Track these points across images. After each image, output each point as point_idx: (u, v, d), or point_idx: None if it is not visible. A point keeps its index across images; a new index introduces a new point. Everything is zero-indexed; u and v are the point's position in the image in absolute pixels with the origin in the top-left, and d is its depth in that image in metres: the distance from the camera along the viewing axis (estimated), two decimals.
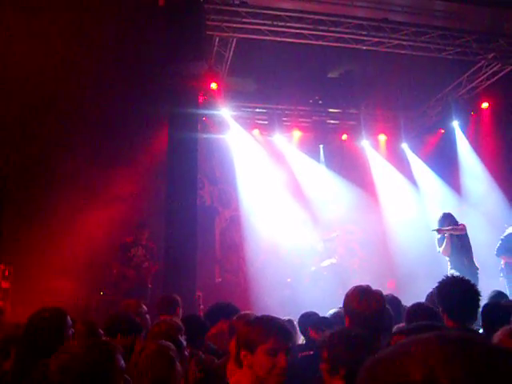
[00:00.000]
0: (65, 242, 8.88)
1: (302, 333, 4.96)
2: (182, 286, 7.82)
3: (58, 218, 9.08)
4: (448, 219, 8.10)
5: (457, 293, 3.46)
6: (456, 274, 7.07)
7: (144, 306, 4.88)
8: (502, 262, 8.31)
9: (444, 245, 7.84)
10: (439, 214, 8.27)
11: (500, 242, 8.28)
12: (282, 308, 8.13)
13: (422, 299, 4.44)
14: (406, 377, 0.75)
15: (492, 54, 9.73)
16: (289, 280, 10.79)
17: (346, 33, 8.97)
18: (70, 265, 8.88)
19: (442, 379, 0.72)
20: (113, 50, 8.75)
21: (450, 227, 7.87)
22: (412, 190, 12.76)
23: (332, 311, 5.77)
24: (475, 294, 3.50)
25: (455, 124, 11.85)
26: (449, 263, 7.76)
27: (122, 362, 2.30)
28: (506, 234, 8.30)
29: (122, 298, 7.70)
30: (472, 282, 3.61)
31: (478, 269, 7.75)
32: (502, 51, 9.66)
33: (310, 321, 4.75)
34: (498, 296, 5.29)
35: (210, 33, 8.91)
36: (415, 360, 0.76)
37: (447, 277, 3.69)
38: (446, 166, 12.22)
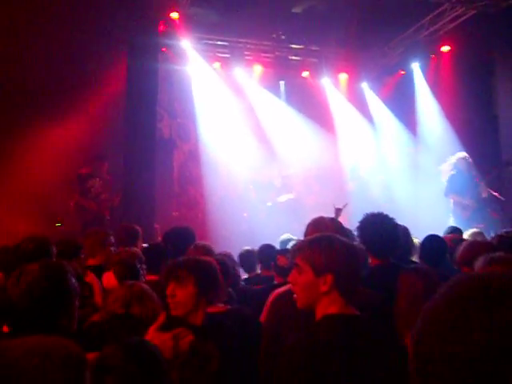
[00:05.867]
0: (17, 176, 8.69)
1: (263, 263, 5.15)
2: (141, 218, 7.86)
3: (16, 148, 8.84)
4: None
5: (376, 229, 3.48)
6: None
7: (112, 238, 4.87)
8: (451, 201, 8.70)
9: None
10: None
11: (446, 183, 8.65)
12: (238, 242, 8.30)
13: None
14: None
15: None
16: (245, 215, 10.97)
17: None
18: (23, 199, 8.74)
19: None
20: None
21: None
22: (370, 129, 12.95)
23: (283, 237, 6.00)
24: (393, 228, 3.55)
25: (415, 66, 11.95)
26: None
27: (74, 281, 2.37)
28: (449, 175, 8.66)
29: (80, 229, 7.70)
30: (390, 216, 3.61)
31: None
32: None
33: (272, 252, 4.94)
34: (453, 231, 5.65)
35: None
36: None
37: (367, 214, 3.65)
38: (404, 106, 12.39)
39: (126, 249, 4.32)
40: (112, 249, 4.73)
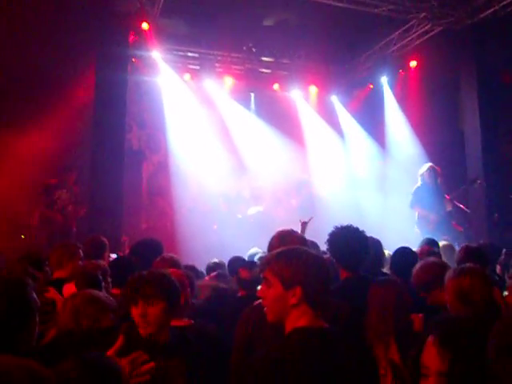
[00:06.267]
0: None
1: (232, 276, 5.09)
2: (108, 230, 7.73)
3: None
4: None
5: (345, 242, 3.49)
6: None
7: (81, 252, 4.74)
8: (416, 213, 8.80)
9: None
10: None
11: (411, 195, 8.77)
12: (207, 253, 8.23)
13: None
14: None
15: (423, 14, 9.93)
16: (215, 227, 10.90)
17: None
18: None
19: None
20: None
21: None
22: (339, 142, 13.07)
23: (251, 251, 5.97)
24: (363, 240, 3.55)
25: (384, 80, 12.16)
26: None
27: (35, 296, 2.28)
28: (415, 187, 8.78)
29: (45, 241, 7.54)
30: (360, 229, 3.59)
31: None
32: (432, 12, 9.87)
33: (239, 263, 4.88)
34: (428, 243, 5.70)
35: None
36: None
37: (336, 227, 3.65)
38: (373, 120, 12.57)
39: (91, 261, 4.22)
40: (80, 262, 4.61)
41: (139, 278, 2.64)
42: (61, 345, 2.60)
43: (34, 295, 2.27)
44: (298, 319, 2.11)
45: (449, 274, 2.98)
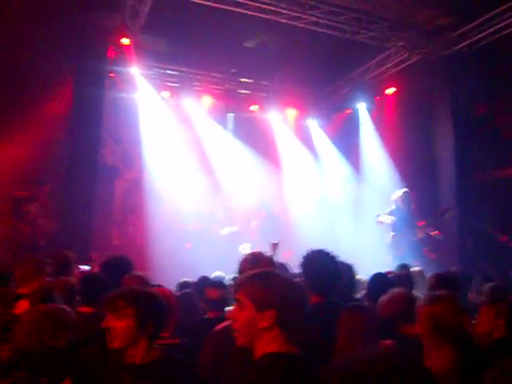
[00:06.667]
0: None
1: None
2: (77, 245, 7.58)
3: None
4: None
5: (317, 266, 3.43)
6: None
7: (48, 267, 4.61)
8: (388, 239, 8.86)
9: None
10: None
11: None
12: (179, 273, 8.12)
13: None
14: None
15: (402, 43, 10.12)
16: (187, 246, 10.79)
17: (267, 3, 8.91)
18: None
19: None
20: None
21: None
22: (315, 165, 13.14)
23: (215, 274, 5.91)
24: (335, 265, 3.49)
25: (361, 106, 12.30)
26: None
27: None
28: (388, 211, 8.89)
29: (11, 254, 7.35)
30: (332, 253, 3.53)
31: None
32: (410, 41, 10.08)
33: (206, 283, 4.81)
34: (403, 268, 5.76)
35: None
36: None
37: (309, 250, 3.58)
38: (350, 144, 12.68)
39: (60, 278, 4.11)
40: (47, 278, 4.48)
41: (113, 293, 2.57)
42: (12, 365, 2.49)
43: None
44: (268, 344, 2.05)
45: (420, 301, 2.97)
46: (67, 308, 3.01)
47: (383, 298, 3.56)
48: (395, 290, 3.61)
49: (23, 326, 2.68)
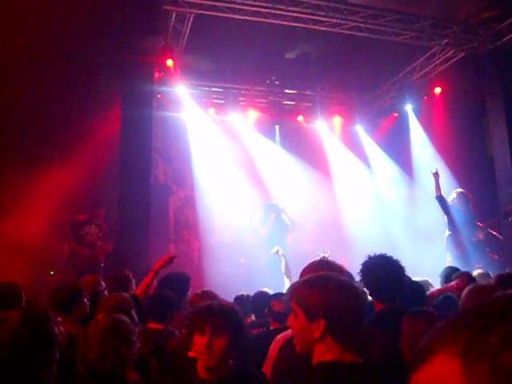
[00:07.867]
0: (13, 220, 8.55)
1: (255, 311, 4.97)
2: (135, 265, 7.71)
3: (6, 195, 8.72)
4: None
5: (379, 273, 3.31)
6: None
7: (103, 283, 4.74)
8: (445, 235, 8.63)
9: None
10: None
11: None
12: (234, 288, 8.13)
13: None
14: None
15: (446, 40, 9.90)
16: (242, 260, 10.80)
17: (305, 13, 8.91)
18: (17, 244, 8.56)
19: None
20: (63, 23, 8.29)
21: None
22: (365, 171, 12.96)
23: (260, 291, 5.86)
24: (398, 270, 3.36)
25: (408, 108, 12.06)
26: None
27: (56, 330, 2.23)
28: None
29: (74, 277, 7.53)
30: (394, 258, 3.40)
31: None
32: (455, 38, 9.84)
33: (265, 299, 4.76)
34: (449, 271, 5.51)
35: (167, 7, 8.70)
36: None
37: (369, 256, 3.45)
38: (399, 148, 12.45)
39: (113, 294, 4.19)
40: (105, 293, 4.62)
41: (207, 309, 2.53)
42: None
43: (56, 330, 2.22)
44: (324, 353, 1.98)
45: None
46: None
47: (465, 291, 3.42)
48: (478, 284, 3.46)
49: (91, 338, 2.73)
